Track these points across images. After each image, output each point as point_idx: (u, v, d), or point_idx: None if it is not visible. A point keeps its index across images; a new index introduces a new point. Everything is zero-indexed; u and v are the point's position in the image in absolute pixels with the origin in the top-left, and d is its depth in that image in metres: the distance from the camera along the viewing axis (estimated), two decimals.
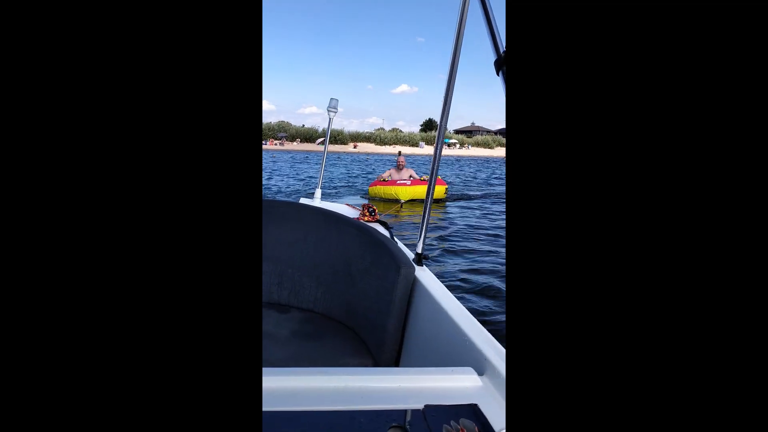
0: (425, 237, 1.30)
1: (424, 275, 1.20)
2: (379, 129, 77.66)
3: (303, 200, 2.42)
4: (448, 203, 8.78)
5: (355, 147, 57.22)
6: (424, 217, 1.29)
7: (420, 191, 7.78)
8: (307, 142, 58.05)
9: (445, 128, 1.21)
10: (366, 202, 1.72)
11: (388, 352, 1.18)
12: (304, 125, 66.52)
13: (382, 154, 43.69)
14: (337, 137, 61.39)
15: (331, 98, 2.39)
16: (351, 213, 2.03)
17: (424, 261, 1.30)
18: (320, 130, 66.72)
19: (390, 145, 60.55)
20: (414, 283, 1.19)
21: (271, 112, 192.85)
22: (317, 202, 2.34)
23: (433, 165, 1.26)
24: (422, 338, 1.11)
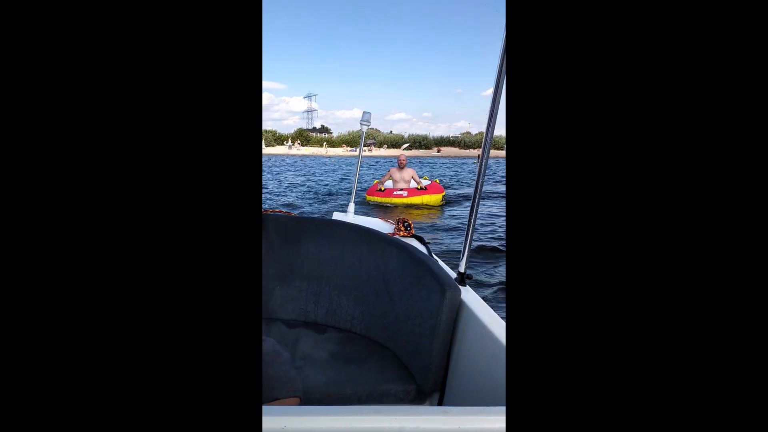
0: (468, 255, 1.22)
1: (469, 296, 1.15)
2: (464, 133, 79.19)
3: (336, 215, 2.33)
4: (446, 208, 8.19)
5: (438, 151, 59.74)
6: (467, 234, 1.19)
7: (416, 202, 7.59)
8: (393, 147, 61.86)
9: (491, 140, 1.13)
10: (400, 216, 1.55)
11: (433, 378, 1.15)
12: (391, 131, 70.69)
13: (462, 157, 45.65)
14: (422, 142, 64.59)
15: (364, 111, 2.44)
16: (385, 227, 1.93)
17: (467, 281, 1.22)
18: (406, 135, 70.72)
19: (474, 148, 61.99)
20: (459, 305, 1.14)
21: None
22: (350, 216, 2.25)
23: (478, 177, 1.13)
24: (469, 363, 1.08)
